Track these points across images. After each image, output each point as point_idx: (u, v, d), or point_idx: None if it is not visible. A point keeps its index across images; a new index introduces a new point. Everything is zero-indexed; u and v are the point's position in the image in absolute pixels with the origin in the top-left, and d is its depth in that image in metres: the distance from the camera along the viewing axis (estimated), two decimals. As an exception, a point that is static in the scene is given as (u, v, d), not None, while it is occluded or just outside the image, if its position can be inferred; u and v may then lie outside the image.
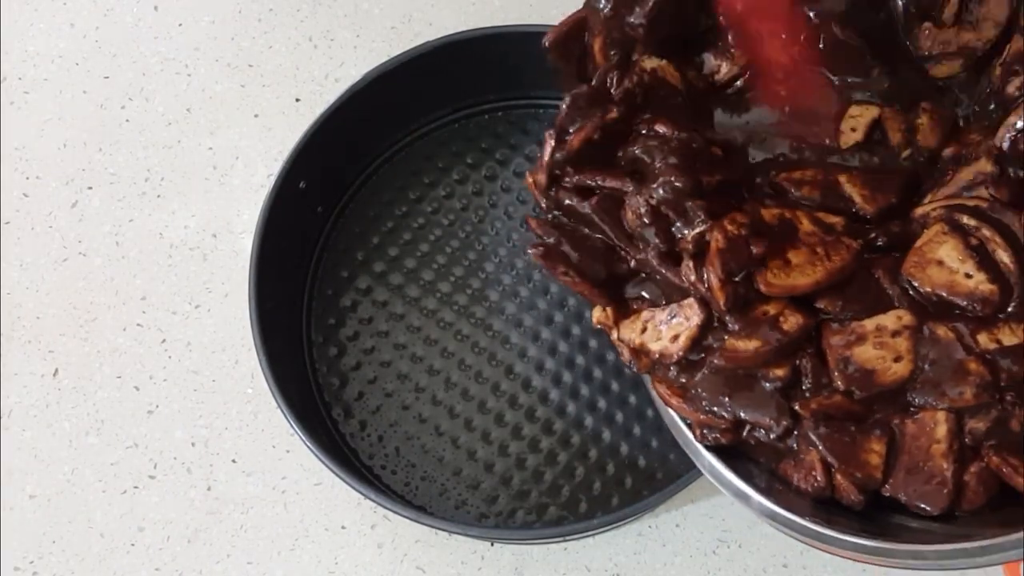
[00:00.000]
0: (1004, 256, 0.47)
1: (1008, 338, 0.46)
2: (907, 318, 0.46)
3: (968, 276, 0.46)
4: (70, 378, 0.71)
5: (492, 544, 0.66)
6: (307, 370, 0.69)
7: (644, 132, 0.50)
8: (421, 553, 0.66)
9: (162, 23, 0.83)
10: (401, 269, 0.71)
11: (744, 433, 0.49)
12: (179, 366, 0.71)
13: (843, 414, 0.47)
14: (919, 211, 0.49)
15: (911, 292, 0.47)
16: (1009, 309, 0.46)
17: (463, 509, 0.65)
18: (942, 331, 0.46)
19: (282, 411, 0.60)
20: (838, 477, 0.46)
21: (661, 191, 0.48)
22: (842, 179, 0.50)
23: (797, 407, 0.47)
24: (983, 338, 0.45)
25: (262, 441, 0.69)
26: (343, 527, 0.67)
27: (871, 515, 0.47)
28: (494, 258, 0.72)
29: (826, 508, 0.47)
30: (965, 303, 0.46)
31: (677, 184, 0.48)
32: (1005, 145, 0.48)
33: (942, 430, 0.45)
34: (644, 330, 0.51)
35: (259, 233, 0.65)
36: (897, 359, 0.46)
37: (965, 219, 0.48)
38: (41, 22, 0.83)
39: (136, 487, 0.68)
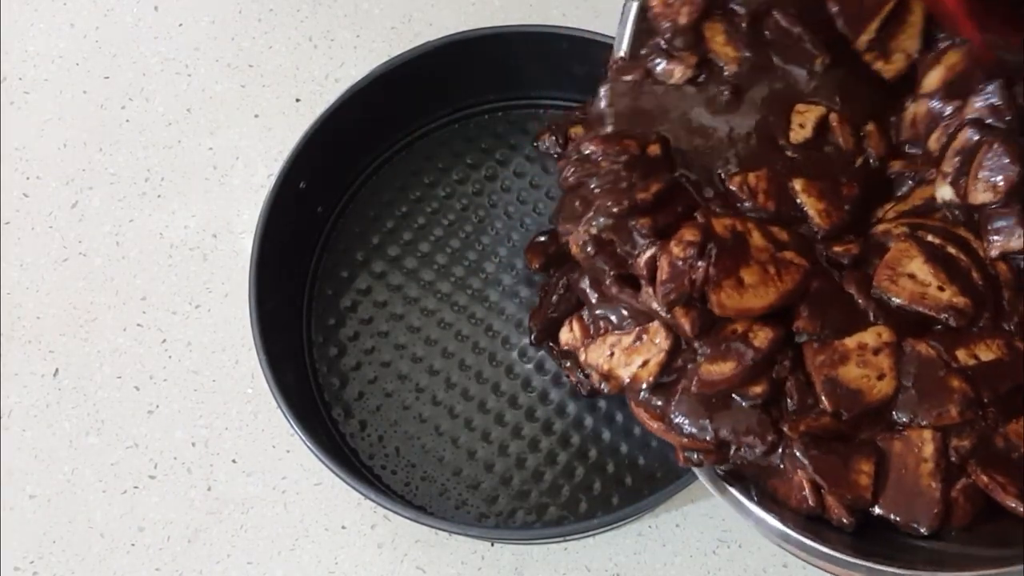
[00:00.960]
0: (973, 272, 0.47)
1: (985, 353, 0.46)
2: (887, 334, 0.46)
3: (940, 289, 0.47)
4: (70, 378, 0.71)
5: (492, 544, 0.66)
6: (307, 370, 0.69)
7: (575, 156, 0.50)
8: (421, 553, 0.66)
9: (162, 23, 0.83)
10: (401, 269, 0.71)
11: (731, 452, 0.48)
12: (179, 366, 0.71)
13: (831, 435, 0.46)
14: (880, 228, 0.50)
15: (885, 306, 0.47)
16: (981, 323, 0.47)
17: (463, 509, 0.65)
18: (923, 348, 0.46)
19: (282, 411, 0.60)
20: (828, 498, 0.46)
21: (601, 219, 0.48)
22: (797, 186, 0.50)
23: (785, 428, 0.46)
24: (961, 354, 0.46)
25: (262, 441, 0.69)
26: (343, 527, 0.67)
27: (863, 533, 0.47)
28: (494, 258, 0.72)
29: (828, 529, 0.47)
30: (940, 315, 0.46)
31: (614, 209, 0.48)
32: (948, 196, 0.49)
33: (929, 449, 0.45)
34: (612, 354, 0.50)
35: (259, 233, 0.65)
36: (880, 377, 0.46)
37: (930, 238, 0.48)
38: (41, 22, 0.83)
39: (136, 487, 0.68)
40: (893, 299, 0.47)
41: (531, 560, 0.66)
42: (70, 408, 0.71)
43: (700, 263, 0.46)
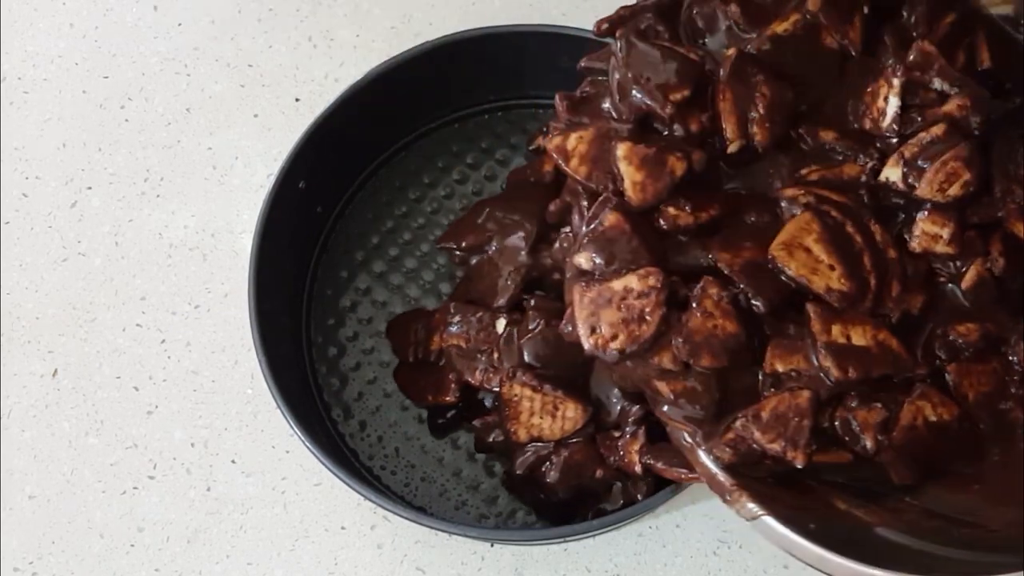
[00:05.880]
0: (864, 257, 0.49)
1: (859, 338, 0.48)
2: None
3: (831, 268, 0.48)
4: (70, 378, 0.71)
5: (492, 545, 0.66)
6: (307, 370, 0.69)
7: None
8: (421, 554, 0.66)
9: (162, 23, 0.83)
10: (401, 269, 0.71)
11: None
12: (179, 366, 0.71)
13: None
14: (788, 192, 0.50)
15: (784, 276, 0.48)
16: (867, 304, 0.48)
17: (463, 510, 0.65)
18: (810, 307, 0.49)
19: (282, 411, 0.60)
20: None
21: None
22: (620, 149, 0.50)
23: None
24: (836, 329, 0.47)
25: (262, 441, 0.69)
26: (343, 527, 0.67)
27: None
28: (494, 258, 0.72)
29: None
30: (824, 294, 0.48)
31: None
32: (895, 178, 0.50)
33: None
34: None
35: (259, 233, 0.64)
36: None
37: (834, 213, 0.49)
38: (41, 22, 0.83)
39: (136, 487, 0.68)
40: (784, 267, 0.48)
41: (531, 560, 0.66)
42: (70, 408, 0.71)
43: None
